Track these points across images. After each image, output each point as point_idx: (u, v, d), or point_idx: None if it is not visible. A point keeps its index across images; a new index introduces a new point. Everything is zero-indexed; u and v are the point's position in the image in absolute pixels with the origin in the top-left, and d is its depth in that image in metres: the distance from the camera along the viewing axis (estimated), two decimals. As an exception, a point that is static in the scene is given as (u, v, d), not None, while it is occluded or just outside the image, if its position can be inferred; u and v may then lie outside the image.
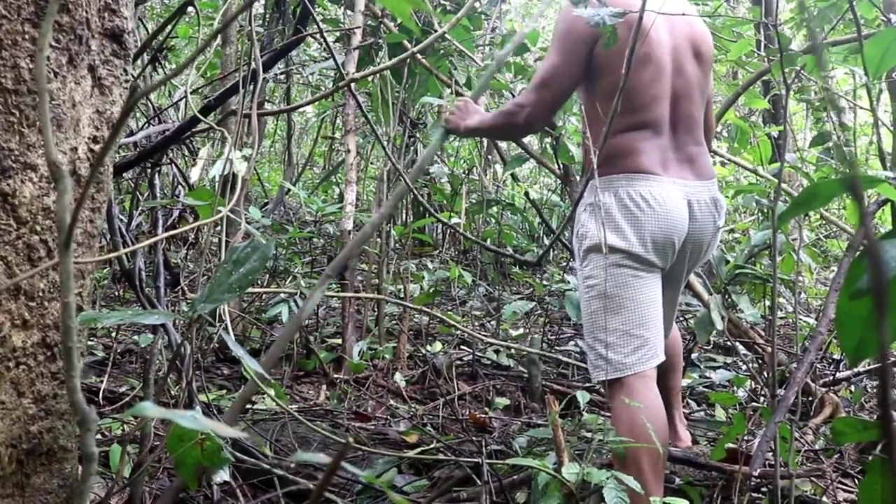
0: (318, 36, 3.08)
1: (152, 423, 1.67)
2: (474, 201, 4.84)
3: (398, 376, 3.10)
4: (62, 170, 0.75)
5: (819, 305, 4.32)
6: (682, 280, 2.09)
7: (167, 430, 1.47)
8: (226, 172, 2.29)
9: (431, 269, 3.96)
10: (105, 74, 1.32)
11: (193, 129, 2.47)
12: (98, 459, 0.79)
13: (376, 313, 3.57)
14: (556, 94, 1.92)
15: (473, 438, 2.42)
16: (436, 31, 2.98)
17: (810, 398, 2.72)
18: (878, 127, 2.18)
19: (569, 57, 1.90)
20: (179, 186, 3.46)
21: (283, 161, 6.60)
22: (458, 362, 3.40)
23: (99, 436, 2.08)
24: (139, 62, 2.94)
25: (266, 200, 6.38)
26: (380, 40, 3.47)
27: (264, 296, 3.58)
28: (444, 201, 5.04)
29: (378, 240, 3.52)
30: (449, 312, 3.83)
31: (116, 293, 3.79)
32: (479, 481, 1.97)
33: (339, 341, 3.32)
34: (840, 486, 2.16)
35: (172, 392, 2.37)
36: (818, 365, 3.02)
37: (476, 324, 4.06)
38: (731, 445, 1.99)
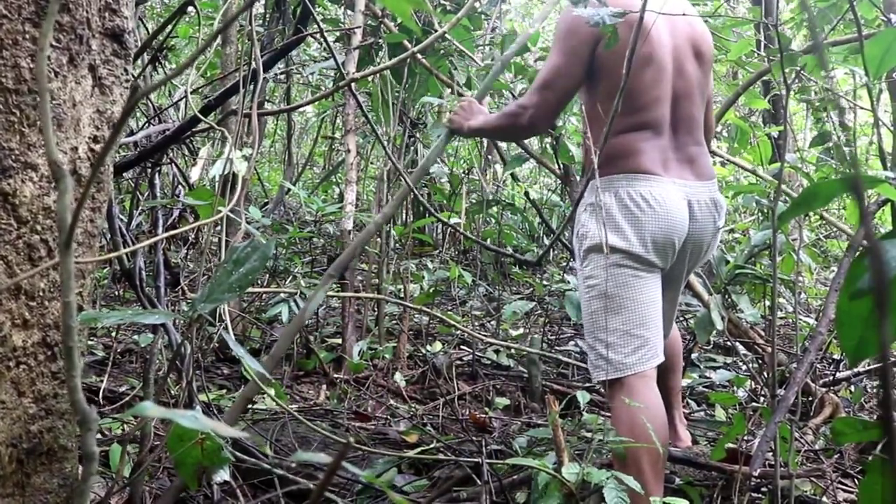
0: (318, 36, 3.08)
1: (152, 422, 1.67)
2: (474, 201, 4.84)
3: (398, 376, 3.10)
4: (63, 169, 0.75)
5: (819, 305, 4.32)
6: (682, 280, 2.10)
7: (167, 430, 1.47)
8: (226, 172, 2.29)
9: (431, 269, 3.96)
10: (105, 74, 1.32)
11: (194, 129, 2.47)
12: (98, 459, 0.79)
13: (376, 313, 3.57)
14: (559, 95, 1.92)
15: (473, 438, 2.42)
16: (436, 30, 2.98)
17: (810, 398, 2.72)
18: (878, 127, 2.18)
19: (571, 58, 1.90)
20: (179, 186, 3.46)
21: (283, 161, 6.60)
22: (458, 362, 3.40)
23: (99, 435, 2.08)
24: (139, 62, 2.94)
25: (266, 200, 6.38)
26: (380, 40, 3.47)
27: (264, 296, 3.58)
28: (444, 201, 5.04)
29: (378, 240, 3.52)
30: (449, 312, 3.83)
31: (116, 293, 3.79)
32: (479, 481, 1.97)
33: (339, 341, 3.32)
34: (840, 486, 2.16)
35: (172, 392, 2.37)
36: (818, 365, 3.01)
37: (476, 324, 4.06)
38: (731, 445, 1.99)
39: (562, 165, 3.37)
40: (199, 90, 4.08)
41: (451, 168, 5.29)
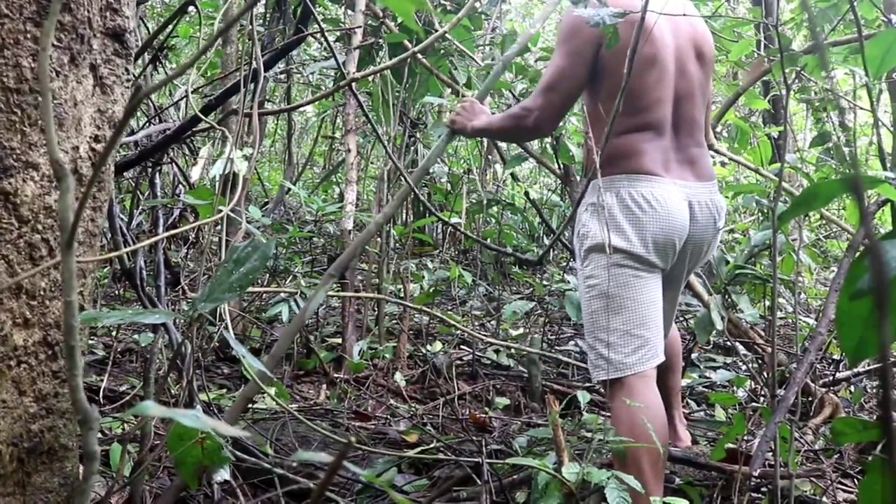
0: (318, 35, 3.08)
1: (153, 422, 1.67)
2: (474, 201, 4.85)
3: (398, 376, 3.11)
4: (65, 169, 0.76)
5: (819, 305, 4.32)
6: (682, 280, 2.10)
7: (167, 429, 1.47)
8: (226, 172, 2.29)
9: (431, 268, 3.96)
10: (107, 73, 1.33)
11: (194, 129, 2.47)
12: (99, 458, 0.79)
13: (376, 313, 3.58)
14: (564, 96, 1.92)
15: (473, 438, 2.43)
16: (436, 30, 2.98)
17: (810, 398, 2.72)
18: (878, 127, 2.18)
19: (575, 59, 1.90)
20: (180, 185, 3.46)
21: (284, 160, 6.61)
22: (458, 362, 3.40)
23: (99, 434, 2.08)
24: (140, 61, 2.94)
25: (266, 200, 6.38)
26: (380, 40, 3.47)
27: (264, 295, 3.58)
28: (444, 200, 5.04)
29: (378, 239, 3.52)
30: (449, 312, 3.83)
31: (117, 292, 3.79)
32: (479, 481, 1.97)
33: (340, 341, 3.32)
34: (840, 486, 2.16)
35: (173, 391, 2.37)
36: (818, 365, 3.02)
37: (476, 324, 4.06)
38: (731, 445, 1.99)
39: (562, 165, 3.37)
40: (200, 90, 4.08)
41: (450, 168, 5.29)
